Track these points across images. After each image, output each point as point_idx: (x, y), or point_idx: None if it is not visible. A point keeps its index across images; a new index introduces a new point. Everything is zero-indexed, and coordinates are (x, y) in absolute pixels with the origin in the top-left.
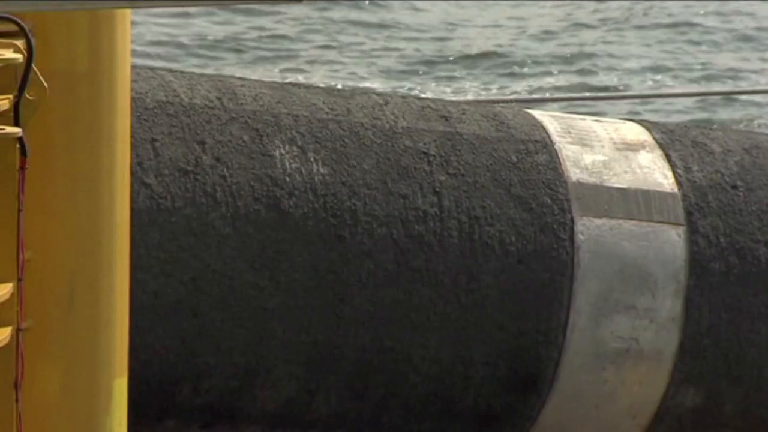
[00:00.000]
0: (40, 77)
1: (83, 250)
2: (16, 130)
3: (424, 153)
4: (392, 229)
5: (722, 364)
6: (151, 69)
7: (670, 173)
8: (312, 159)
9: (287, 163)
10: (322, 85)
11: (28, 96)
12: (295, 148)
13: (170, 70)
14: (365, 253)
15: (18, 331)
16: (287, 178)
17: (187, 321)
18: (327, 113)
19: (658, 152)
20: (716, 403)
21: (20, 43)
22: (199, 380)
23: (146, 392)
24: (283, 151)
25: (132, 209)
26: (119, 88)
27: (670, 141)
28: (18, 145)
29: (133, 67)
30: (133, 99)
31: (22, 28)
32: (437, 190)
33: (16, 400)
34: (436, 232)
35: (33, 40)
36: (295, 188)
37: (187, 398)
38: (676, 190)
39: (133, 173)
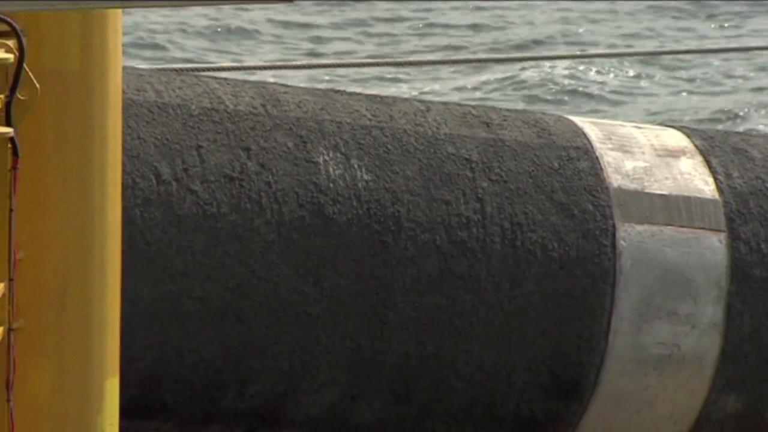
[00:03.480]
0: (32, 77)
1: (75, 250)
2: (8, 130)
3: (467, 159)
4: (435, 235)
5: (763, 370)
6: (196, 76)
7: (710, 180)
8: (355, 165)
9: (331, 170)
10: (364, 93)
11: (19, 96)
12: (338, 155)
13: (214, 77)
14: (409, 259)
15: (10, 330)
16: (331, 185)
17: (232, 326)
18: (370, 120)
19: (699, 159)
20: (757, 409)
21: (12, 43)
22: (244, 385)
23: (192, 397)
24: (326, 158)
25: (178, 215)
26: (111, 88)
27: (710, 147)
28: (9, 145)
29: (178, 73)
30: (178, 106)
31: (13, 28)
32: (480, 196)
33: (8, 400)
34: (479, 238)
35: (24, 40)
36: (339, 194)
37: (232, 403)
38: (717, 196)
39: (179, 180)
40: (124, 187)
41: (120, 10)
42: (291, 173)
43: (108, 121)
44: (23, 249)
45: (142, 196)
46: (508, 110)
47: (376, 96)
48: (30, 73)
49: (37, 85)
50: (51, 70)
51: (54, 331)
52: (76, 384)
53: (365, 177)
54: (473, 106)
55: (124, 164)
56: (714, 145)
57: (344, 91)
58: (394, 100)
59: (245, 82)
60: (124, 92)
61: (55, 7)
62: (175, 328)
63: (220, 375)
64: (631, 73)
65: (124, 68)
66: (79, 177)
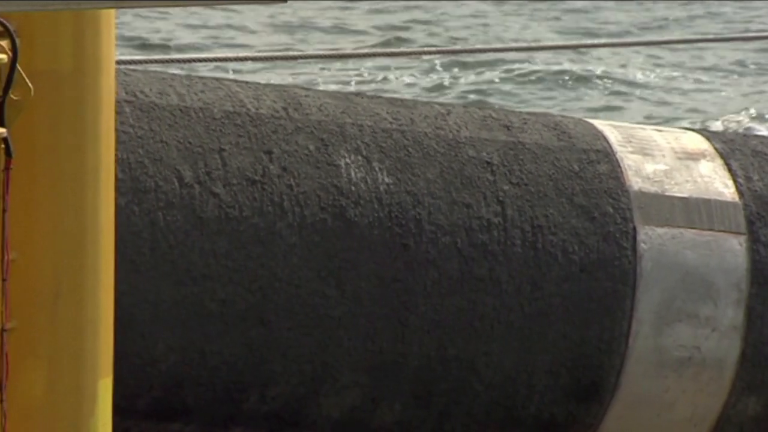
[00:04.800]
0: (25, 78)
1: (68, 251)
2: (1, 131)
3: (488, 162)
4: (456, 238)
5: None
6: (217, 80)
7: (730, 182)
8: (377, 168)
9: (352, 173)
10: (385, 96)
11: (12, 96)
12: (360, 158)
13: (236, 81)
14: (430, 261)
15: (2, 331)
16: (353, 188)
17: (254, 329)
18: (391, 123)
19: (719, 161)
20: None
21: (5, 43)
22: (266, 388)
23: (214, 399)
24: (348, 161)
25: (200, 218)
26: (104, 89)
27: (730, 150)
28: (3, 146)
29: (200, 77)
30: (200, 109)
31: (6, 28)
32: (500, 199)
33: (1, 401)
34: (499, 241)
35: (18, 41)
36: (360, 197)
37: (254, 405)
38: (737, 199)
39: (201, 183)
40: (147, 190)
41: (113, 11)
42: (313, 176)
43: (101, 121)
44: (16, 249)
45: (165, 199)
46: (528, 113)
47: (396, 99)
48: (23, 74)
49: (30, 86)
50: (44, 71)
51: (47, 331)
52: (69, 385)
53: (386, 180)
54: (493, 109)
55: (147, 167)
56: (734, 148)
57: (365, 94)
58: (415, 103)
59: (266, 85)
60: (146, 96)
61: (48, 7)
62: (198, 330)
63: (242, 377)
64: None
65: (147, 72)
66: (73, 177)
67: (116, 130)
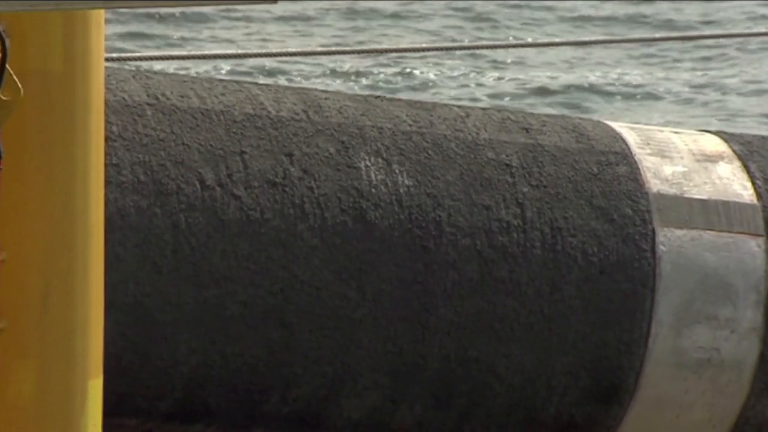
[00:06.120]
0: (15, 78)
1: (58, 251)
2: None
3: (507, 165)
4: (476, 240)
5: None
6: (238, 82)
7: (749, 184)
8: (397, 171)
9: (373, 175)
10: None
11: (2, 97)
12: (380, 160)
13: (256, 83)
14: (450, 263)
15: None
16: (373, 190)
17: (275, 331)
18: (410, 125)
19: (737, 164)
20: None
21: None
22: (287, 389)
23: (235, 401)
24: (368, 163)
25: (222, 221)
26: (93, 89)
27: (748, 152)
28: None
29: (220, 80)
30: (221, 112)
31: None
32: (520, 201)
33: None
34: (519, 243)
35: (7, 41)
36: (380, 200)
37: (274, 407)
38: (755, 201)
39: (222, 185)
40: (169, 192)
41: (103, 11)
42: (333, 178)
43: (91, 121)
44: (6, 250)
45: (187, 201)
46: (546, 115)
47: (416, 101)
48: (13, 74)
49: (20, 86)
50: (34, 71)
51: (37, 332)
52: (59, 385)
53: (406, 182)
54: (512, 111)
55: (168, 170)
56: (752, 150)
57: (384, 96)
58: (434, 105)
59: (286, 87)
60: (168, 98)
61: (37, 7)
62: (219, 332)
63: (263, 379)
64: None
65: (168, 74)
66: (63, 178)
67: (138, 132)
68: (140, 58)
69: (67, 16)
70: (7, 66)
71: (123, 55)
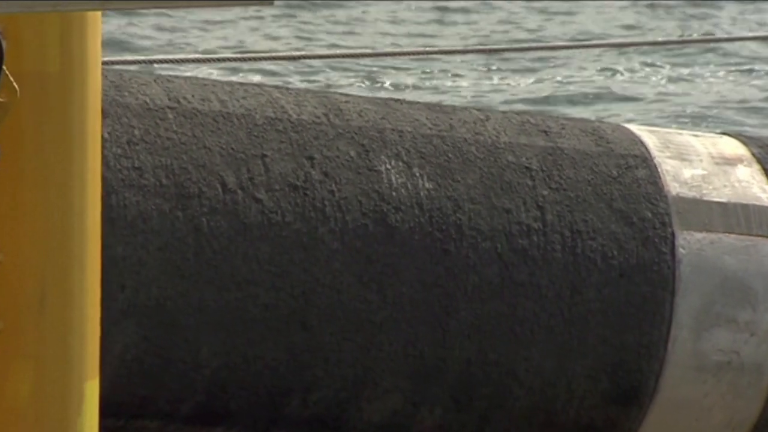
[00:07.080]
0: (11, 79)
1: (54, 253)
2: None
3: (527, 168)
4: (496, 243)
5: None
6: (258, 86)
7: None
8: (417, 174)
9: (393, 178)
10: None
11: None
12: (400, 164)
13: (276, 87)
14: (470, 266)
15: None
16: (393, 193)
17: (297, 334)
18: (430, 129)
19: (756, 167)
20: None
21: None
22: (308, 392)
23: (257, 404)
24: (389, 167)
25: (244, 224)
26: (90, 90)
27: (767, 155)
28: None
29: (241, 84)
30: (242, 115)
31: None
32: (540, 204)
33: None
34: (539, 246)
35: (4, 42)
36: (401, 203)
37: (295, 410)
38: None
39: (244, 188)
40: (191, 196)
41: (99, 13)
42: (354, 182)
43: (87, 123)
44: (2, 251)
45: (209, 204)
46: (565, 119)
47: (435, 105)
48: (9, 76)
49: (17, 87)
50: (30, 72)
51: (33, 333)
52: (55, 386)
53: (427, 185)
54: (531, 114)
55: (190, 173)
56: None
57: (404, 100)
58: (453, 109)
59: (307, 91)
60: (189, 102)
61: (34, 9)
62: (241, 335)
63: (285, 382)
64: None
65: (189, 78)
66: (59, 179)
67: (160, 135)
68: (140, 62)
69: (64, 17)
70: (3, 67)
71: (120, 58)
